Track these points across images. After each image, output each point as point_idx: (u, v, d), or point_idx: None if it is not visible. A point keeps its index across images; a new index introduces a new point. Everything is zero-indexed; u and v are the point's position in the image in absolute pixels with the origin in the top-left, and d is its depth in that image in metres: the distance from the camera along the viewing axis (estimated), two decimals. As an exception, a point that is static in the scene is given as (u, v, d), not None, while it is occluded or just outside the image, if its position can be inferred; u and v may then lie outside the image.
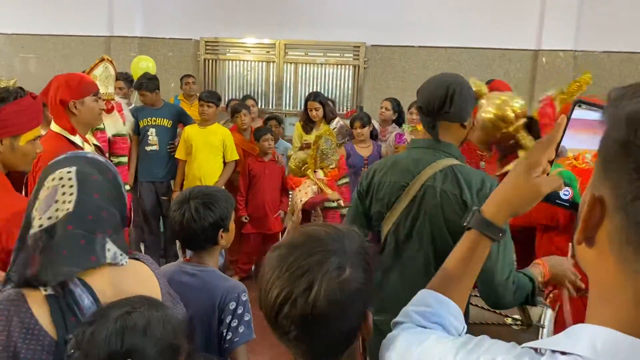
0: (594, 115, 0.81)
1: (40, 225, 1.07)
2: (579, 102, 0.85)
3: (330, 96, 6.73)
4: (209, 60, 7.08)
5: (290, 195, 4.89)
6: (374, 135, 4.82)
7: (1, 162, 1.73)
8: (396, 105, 5.11)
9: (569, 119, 0.87)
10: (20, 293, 1.07)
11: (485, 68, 6.37)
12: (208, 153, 4.52)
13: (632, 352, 0.56)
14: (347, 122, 4.99)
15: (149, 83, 4.67)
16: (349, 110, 6.90)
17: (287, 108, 7.02)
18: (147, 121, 4.68)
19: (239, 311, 1.63)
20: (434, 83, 1.83)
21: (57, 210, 1.07)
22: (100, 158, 1.25)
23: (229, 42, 7.05)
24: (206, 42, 7.04)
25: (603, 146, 0.62)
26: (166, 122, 4.71)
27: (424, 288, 1.01)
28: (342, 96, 7.01)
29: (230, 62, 7.13)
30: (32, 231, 1.07)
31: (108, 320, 1.00)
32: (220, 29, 6.96)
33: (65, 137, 2.48)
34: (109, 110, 3.38)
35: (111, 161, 3.24)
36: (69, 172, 1.13)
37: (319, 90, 6.19)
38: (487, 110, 2.24)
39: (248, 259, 4.78)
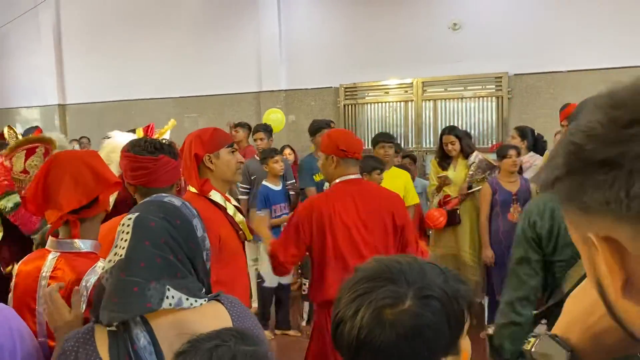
0: None
1: (103, 268, 1.16)
2: None
3: (472, 130, 6.49)
4: (348, 106, 7.31)
5: (429, 236, 4.73)
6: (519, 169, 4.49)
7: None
8: (529, 133, 4.74)
9: None
10: (92, 327, 1.17)
11: (651, 86, 5.66)
12: None
13: None
14: (489, 156, 4.74)
15: None
16: (493, 143, 6.57)
17: (427, 145, 6.91)
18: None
19: None
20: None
21: (114, 254, 1.14)
22: (176, 202, 1.25)
23: (367, 85, 7.22)
24: (345, 88, 7.29)
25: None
26: None
27: None
28: (486, 129, 6.72)
29: (369, 105, 7.27)
30: (104, 268, 1.17)
31: (197, 352, 1.03)
32: (357, 75, 7.18)
33: (206, 197, 2.24)
34: None
35: None
36: (129, 218, 1.18)
37: (459, 126, 5.99)
38: None
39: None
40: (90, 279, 1.48)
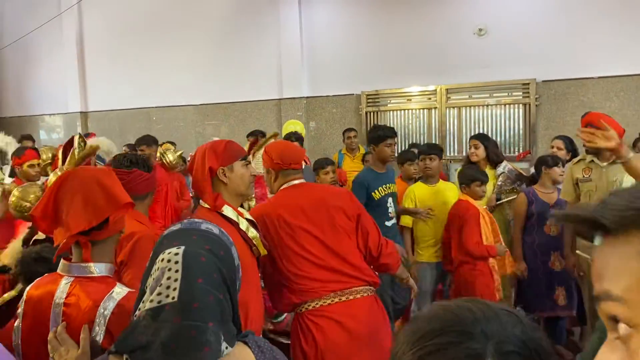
0: None
1: (146, 307, 1.04)
2: None
3: (499, 138, 6.33)
4: (370, 113, 7.19)
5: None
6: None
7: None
8: (569, 144, 4.54)
9: None
10: (105, 359, 1.07)
11: (687, 93, 5.45)
12: (443, 213, 3.87)
13: None
14: (516, 165, 4.58)
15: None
16: (520, 152, 6.39)
17: (451, 154, 6.75)
18: (384, 190, 3.81)
19: None
20: None
21: (160, 294, 1.02)
22: (215, 230, 1.15)
23: (389, 93, 7.10)
24: (367, 95, 7.17)
25: None
26: (395, 188, 3.97)
27: None
28: (512, 137, 6.53)
29: (391, 112, 7.14)
30: (141, 308, 1.04)
31: None
32: (379, 82, 7.06)
33: (218, 212, 2.19)
34: None
35: None
36: (176, 254, 1.05)
37: (486, 133, 5.79)
38: None
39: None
40: (108, 306, 1.39)
